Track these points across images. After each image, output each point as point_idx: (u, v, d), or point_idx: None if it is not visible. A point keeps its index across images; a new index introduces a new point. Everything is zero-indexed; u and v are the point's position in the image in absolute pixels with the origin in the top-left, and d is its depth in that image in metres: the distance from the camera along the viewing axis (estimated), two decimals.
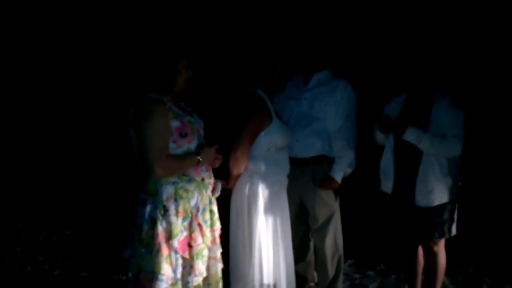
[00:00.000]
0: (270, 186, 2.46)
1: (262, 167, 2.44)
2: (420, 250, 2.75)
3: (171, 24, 5.22)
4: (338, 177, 2.75)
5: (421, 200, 2.53)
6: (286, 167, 2.58)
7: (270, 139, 2.44)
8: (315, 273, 3.07)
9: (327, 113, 2.73)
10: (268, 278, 2.42)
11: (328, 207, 2.81)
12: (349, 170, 2.78)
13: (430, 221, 2.55)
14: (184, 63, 2.10)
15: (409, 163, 2.57)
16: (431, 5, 4.35)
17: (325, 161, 2.78)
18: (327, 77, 2.81)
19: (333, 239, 2.85)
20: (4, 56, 6.07)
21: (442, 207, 2.54)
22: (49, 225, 4.52)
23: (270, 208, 2.45)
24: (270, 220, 2.45)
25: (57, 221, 4.62)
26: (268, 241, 2.43)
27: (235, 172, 2.44)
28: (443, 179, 2.50)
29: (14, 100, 6.34)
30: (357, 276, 3.35)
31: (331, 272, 2.88)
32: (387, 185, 2.71)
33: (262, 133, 2.43)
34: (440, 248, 2.64)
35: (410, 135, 2.47)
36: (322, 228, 2.83)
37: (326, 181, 2.74)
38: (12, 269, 3.56)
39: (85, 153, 6.21)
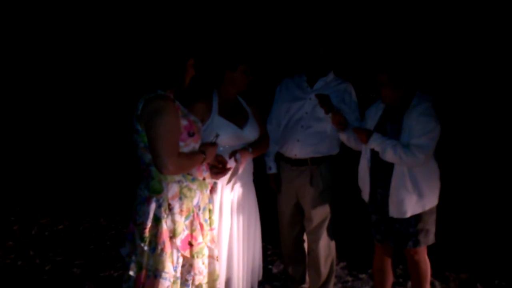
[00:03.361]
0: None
1: None
2: (390, 261, 2.71)
3: (180, 23, 5.22)
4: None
5: (394, 211, 2.48)
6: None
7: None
8: (306, 275, 3.07)
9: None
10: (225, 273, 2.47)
11: (323, 208, 2.81)
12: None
13: (404, 231, 2.50)
14: (191, 62, 2.11)
15: (383, 172, 2.51)
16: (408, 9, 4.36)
17: (324, 163, 2.78)
18: (332, 80, 2.82)
19: (327, 241, 2.84)
20: (20, 55, 6.10)
21: (416, 217, 2.47)
22: (42, 219, 4.50)
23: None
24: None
25: (50, 216, 4.59)
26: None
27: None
28: (416, 190, 2.42)
29: (11, 96, 6.34)
30: (349, 278, 3.35)
31: (323, 274, 2.87)
32: (364, 193, 2.67)
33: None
34: (421, 256, 2.58)
35: (374, 141, 2.41)
36: (317, 229, 2.82)
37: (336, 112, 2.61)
38: (3, 263, 3.53)
39: (79, 149, 6.20)
